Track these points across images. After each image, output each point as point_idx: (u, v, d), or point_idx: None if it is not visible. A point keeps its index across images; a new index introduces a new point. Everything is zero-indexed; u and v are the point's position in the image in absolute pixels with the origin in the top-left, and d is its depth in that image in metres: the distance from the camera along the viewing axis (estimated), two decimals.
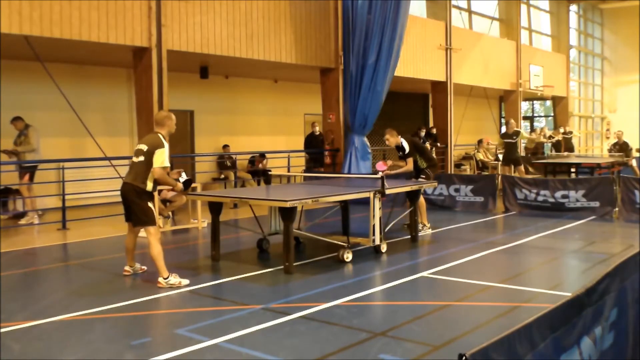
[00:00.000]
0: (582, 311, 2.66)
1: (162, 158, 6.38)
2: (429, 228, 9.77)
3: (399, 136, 9.66)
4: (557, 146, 22.98)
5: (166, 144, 6.48)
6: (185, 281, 6.38)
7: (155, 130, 6.69)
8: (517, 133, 15.72)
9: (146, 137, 6.71)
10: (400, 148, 9.69)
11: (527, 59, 23.16)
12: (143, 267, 7.02)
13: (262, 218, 8.58)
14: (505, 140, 15.66)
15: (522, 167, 15.79)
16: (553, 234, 9.63)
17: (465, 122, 21.06)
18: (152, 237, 6.36)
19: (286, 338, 4.72)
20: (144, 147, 6.45)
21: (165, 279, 6.29)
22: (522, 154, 16.46)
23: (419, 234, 9.15)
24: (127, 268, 6.90)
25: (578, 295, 2.63)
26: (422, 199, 9.73)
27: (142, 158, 6.42)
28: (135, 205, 6.41)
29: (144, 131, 11.16)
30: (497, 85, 21.85)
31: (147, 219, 6.40)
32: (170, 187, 7.08)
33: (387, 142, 9.75)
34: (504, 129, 17.17)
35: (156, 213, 6.65)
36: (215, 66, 14.29)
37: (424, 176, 9.71)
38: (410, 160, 9.61)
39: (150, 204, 6.44)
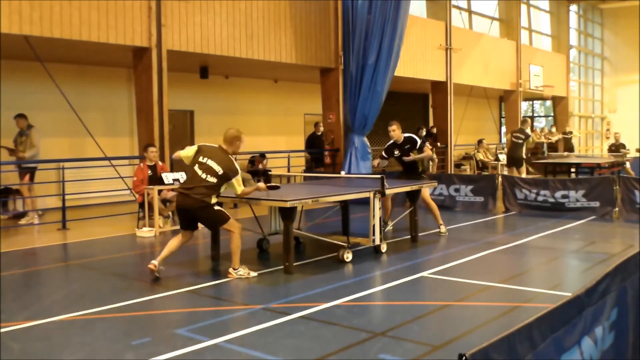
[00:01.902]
0: (582, 311, 2.66)
1: (240, 183, 6.61)
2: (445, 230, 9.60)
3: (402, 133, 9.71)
4: (553, 146, 23.07)
5: (239, 167, 6.65)
6: (254, 273, 6.68)
7: (224, 147, 6.68)
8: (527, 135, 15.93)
9: (217, 155, 6.56)
10: (408, 141, 9.61)
11: (527, 59, 23.17)
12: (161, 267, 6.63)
13: (262, 218, 8.57)
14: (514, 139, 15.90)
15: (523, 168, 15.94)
16: (553, 234, 9.63)
17: (465, 122, 21.07)
18: (233, 232, 6.55)
19: (286, 338, 4.71)
20: (219, 170, 6.45)
21: (235, 269, 6.59)
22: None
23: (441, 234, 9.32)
24: (155, 263, 6.47)
25: (578, 295, 2.63)
26: (432, 201, 9.71)
27: (214, 180, 6.43)
28: (206, 216, 6.57)
29: (144, 131, 11.18)
30: (497, 85, 21.86)
31: (222, 219, 6.56)
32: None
33: (392, 133, 9.64)
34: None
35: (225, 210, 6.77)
36: (215, 66, 14.30)
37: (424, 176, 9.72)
38: (428, 148, 9.74)
39: (217, 207, 6.55)
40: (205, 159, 6.53)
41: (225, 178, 6.49)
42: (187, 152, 6.69)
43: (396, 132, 9.64)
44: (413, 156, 9.56)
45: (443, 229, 9.52)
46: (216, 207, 6.53)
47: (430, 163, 18.64)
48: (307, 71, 14.87)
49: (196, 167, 6.51)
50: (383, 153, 10.12)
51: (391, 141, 9.79)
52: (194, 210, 6.50)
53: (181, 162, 6.95)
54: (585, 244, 8.93)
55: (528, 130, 16.22)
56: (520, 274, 7.12)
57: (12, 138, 11.19)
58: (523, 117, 17.52)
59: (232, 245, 6.59)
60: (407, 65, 16.68)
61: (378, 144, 18.09)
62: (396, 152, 9.73)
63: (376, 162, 10.38)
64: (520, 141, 15.85)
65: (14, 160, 11.03)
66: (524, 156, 16.39)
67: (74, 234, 10.01)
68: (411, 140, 9.67)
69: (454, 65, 18.97)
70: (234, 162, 6.61)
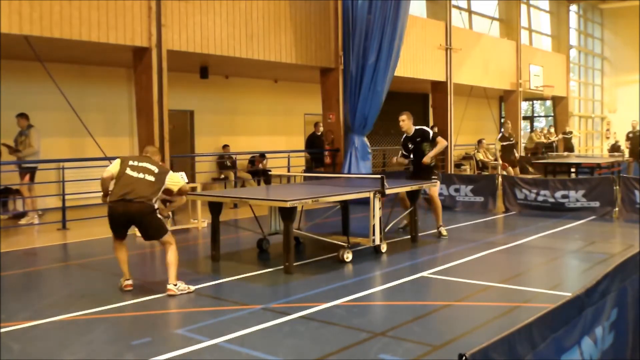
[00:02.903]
0: (582, 311, 2.66)
1: (178, 177, 6.41)
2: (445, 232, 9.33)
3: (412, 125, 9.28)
4: (550, 147, 23.13)
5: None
6: (193, 287, 6.20)
7: (150, 156, 6.49)
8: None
9: (146, 159, 6.38)
10: (419, 134, 9.18)
11: (527, 59, 23.16)
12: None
13: (262, 218, 8.58)
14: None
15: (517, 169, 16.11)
16: (553, 234, 9.63)
17: (465, 122, 21.06)
18: (172, 245, 6.19)
19: (286, 338, 4.72)
20: (154, 169, 6.23)
21: (175, 285, 6.07)
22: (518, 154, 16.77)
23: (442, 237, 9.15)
24: (128, 282, 6.31)
25: (578, 295, 2.63)
26: (438, 200, 9.43)
27: (152, 178, 6.16)
28: (149, 223, 6.14)
29: (144, 131, 11.18)
30: (497, 85, 21.86)
31: (163, 230, 6.21)
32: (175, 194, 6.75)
33: (402, 123, 9.22)
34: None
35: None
36: (215, 66, 14.30)
37: (434, 177, 9.31)
38: (441, 138, 9.21)
39: (159, 215, 6.25)
40: (136, 162, 6.26)
41: (161, 177, 6.20)
42: (114, 166, 6.30)
43: (405, 122, 9.21)
44: (429, 156, 9.03)
45: (444, 231, 9.27)
46: (159, 216, 6.22)
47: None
48: (307, 71, 14.87)
49: (128, 172, 6.16)
50: (402, 151, 9.50)
51: (404, 135, 9.37)
52: (140, 215, 6.06)
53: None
54: (585, 244, 8.93)
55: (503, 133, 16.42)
56: (520, 274, 7.12)
57: (13, 138, 11.19)
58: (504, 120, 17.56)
59: (170, 257, 6.14)
60: (407, 65, 16.67)
61: (378, 144, 18.10)
62: (410, 146, 9.27)
63: (395, 159, 9.73)
64: (506, 143, 16.15)
65: (14, 160, 11.03)
66: (517, 157, 16.54)
67: (74, 234, 10.01)
68: (422, 132, 9.21)
69: (454, 65, 18.96)
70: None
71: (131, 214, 6.07)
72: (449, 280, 6.63)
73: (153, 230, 6.19)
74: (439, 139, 9.24)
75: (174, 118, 12.56)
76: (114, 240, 6.38)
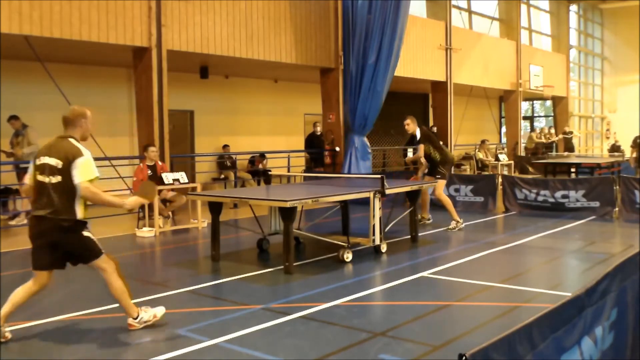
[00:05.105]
0: (582, 311, 2.66)
1: (89, 172, 4.63)
2: (428, 220, 10.14)
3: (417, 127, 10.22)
4: (550, 147, 23.14)
5: (86, 152, 4.69)
6: (161, 311, 5.04)
7: (66, 133, 4.84)
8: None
9: (52, 147, 4.73)
10: (414, 137, 10.27)
11: (527, 59, 23.17)
12: (7, 334, 4.75)
13: (262, 218, 8.57)
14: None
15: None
16: (553, 234, 9.63)
17: (465, 122, 21.07)
18: (106, 271, 4.77)
19: (286, 338, 4.71)
20: (57, 163, 4.59)
21: (135, 318, 4.90)
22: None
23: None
24: (6, 333, 4.74)
25: (578, 295, 2.63)
26: (425, 194, 10.02)
27: (59, 178, 4.58)
28: (70, 243, 4.68)
29: (144, 131, 11.18)
30: (497, 85, 21.86)
31: (93, 251, 4.74)
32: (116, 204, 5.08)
33: (406, 127, 10.22)
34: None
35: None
36: (215, 66, 14.30)
37: (439, 176, 9.95)
38: (421, 147, 10.07)
39: (86, 233, 4.71)
40: (40, 158, 4.70)
41: (70, 168, 4.58)
42: (30, 168, 4.87)
43: (409, 126, 10.18)
44: (409, 159, 10.34)
45: (453, 224, 9.83)
46: (85, 233, 4.69)
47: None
48: (307, 71, 14.87)
49: (37, 175, 4.67)
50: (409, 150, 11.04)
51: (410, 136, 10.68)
52: (54, 234, 4.60)
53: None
54: (585, 244, 8.92)
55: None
56: (520, 274, 7.12)
57: (9, 140, 11.18)
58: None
59: (113, 288, 4.78)
60: (407, 65, 16.68)
61: (378, 144, 18.09)
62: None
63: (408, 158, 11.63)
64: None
65: (13, 161, 11.02)
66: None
67: None
68: (415, 136, 10.19)
69: (454, 65, 18.97)
70: (76, 145, 4.69)
71: (44, 232, 4.63)
72: (449, 280, 6.63)
73: (78, 252, 4.74)
74: (420, 145, 10.13)
75: (174, 118, 12.55)
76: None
